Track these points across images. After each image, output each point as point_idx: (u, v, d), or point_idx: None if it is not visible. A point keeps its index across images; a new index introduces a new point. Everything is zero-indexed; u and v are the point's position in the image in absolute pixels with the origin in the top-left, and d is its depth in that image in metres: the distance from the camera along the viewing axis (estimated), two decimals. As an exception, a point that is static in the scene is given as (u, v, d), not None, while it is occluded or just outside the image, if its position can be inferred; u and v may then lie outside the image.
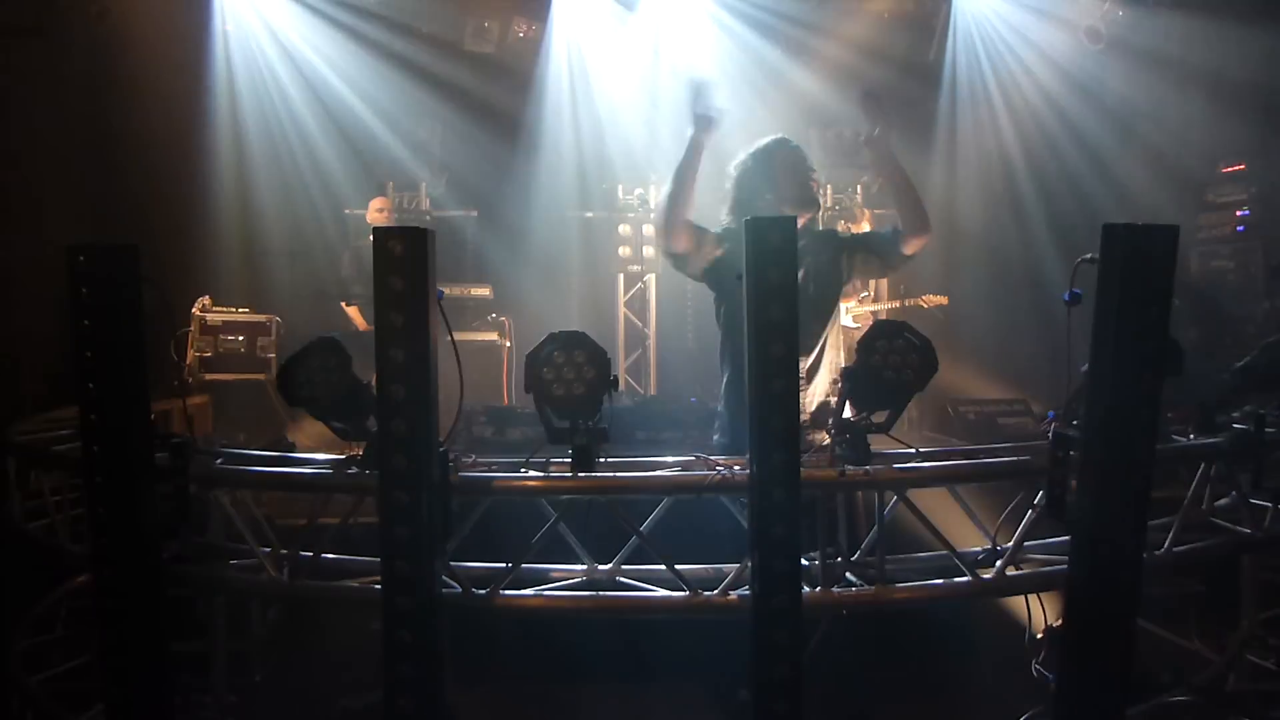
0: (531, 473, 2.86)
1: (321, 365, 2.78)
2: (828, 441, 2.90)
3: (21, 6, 7.04)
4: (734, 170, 3.83)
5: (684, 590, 2.84)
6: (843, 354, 3.81)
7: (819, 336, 3.71)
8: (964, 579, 2.92)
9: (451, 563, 2.86)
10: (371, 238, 7.76)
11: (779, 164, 3.74)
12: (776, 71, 8.52)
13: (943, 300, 7.48)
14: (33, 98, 6.98)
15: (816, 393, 3.69)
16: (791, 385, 2.60)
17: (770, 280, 2.55)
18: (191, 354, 7.04)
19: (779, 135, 3.85)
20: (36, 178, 6.81)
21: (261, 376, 7.28)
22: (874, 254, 3.89)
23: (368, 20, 8.20)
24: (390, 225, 7.27)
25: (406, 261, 2.53)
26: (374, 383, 2.85)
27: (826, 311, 3.76)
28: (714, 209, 3.84)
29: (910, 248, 3.77)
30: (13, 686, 3.48)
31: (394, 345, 2.56)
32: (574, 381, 2.71)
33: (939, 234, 8.50)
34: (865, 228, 7.91)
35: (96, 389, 2.72)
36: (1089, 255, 2.69)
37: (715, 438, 3.79)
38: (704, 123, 3.60)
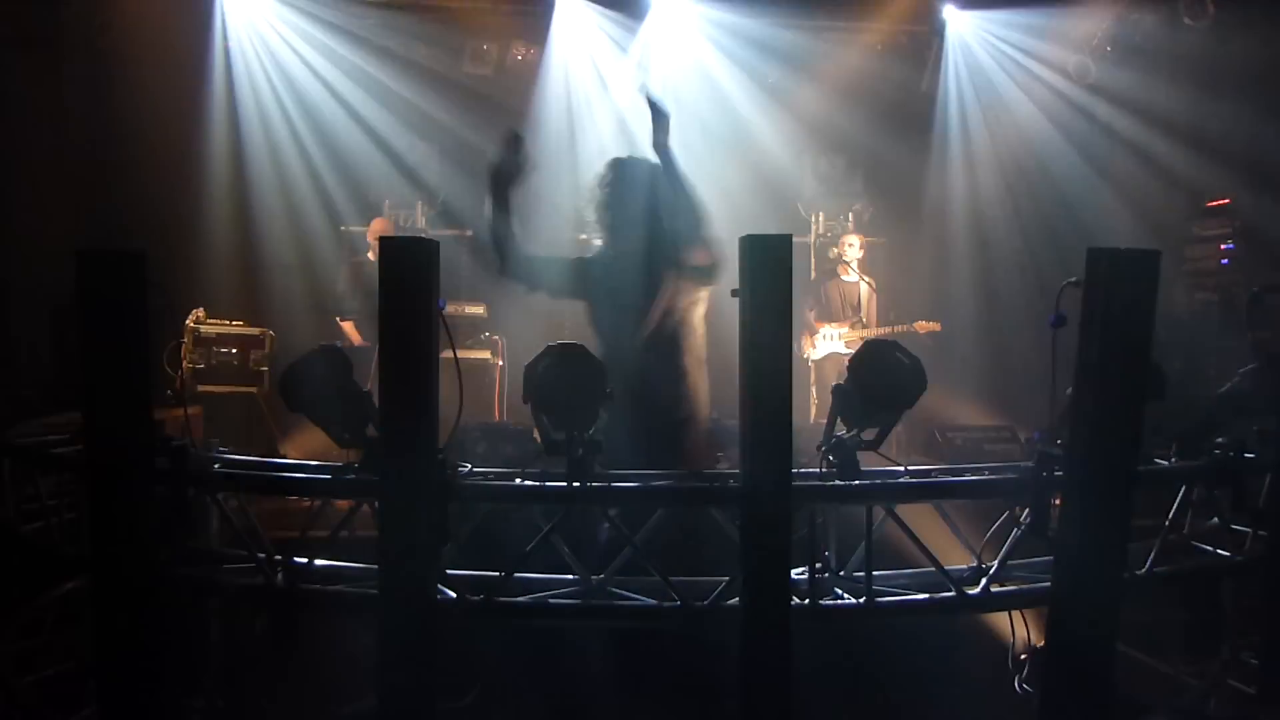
0: (528, 482, 2.91)
1: (323, 372, 2.83)
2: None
3: (25, 19, 7.10)
4: (601, 191, 3.77)
5: (675, 601, 2.88)
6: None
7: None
8: (949, 594, 2.97)
9: (447, 570, 2.90)
10: (370, 254, 7.77)
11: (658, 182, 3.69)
12: (770, 99, 8.65)
13: (935, 326, 7.57)
14: (34, 108, 7.04)
15: None
16: (784, 399, 2.65)
17: (763, 296, 2.61)
18: (185, 365, 7.06)
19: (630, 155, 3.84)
20: (36, 187, 6.85)
21: (254, 389, 7.30)
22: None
23: (367, 38, 8.28)
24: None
25: (411, 271, 2.59)
26: (372, 390, 2.90)
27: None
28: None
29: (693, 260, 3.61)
30: (2, 689, 3.49)
31: (396, 352, 2.61)
32: (570, 393, 2.76)
33: (933, 260, 8.69)
34: (858, 253, 7.99)
35: (100, 391, 2.76)
36: (1073, 279, 2.77)
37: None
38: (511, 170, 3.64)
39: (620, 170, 3.78)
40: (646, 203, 3.65)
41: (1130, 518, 2.83)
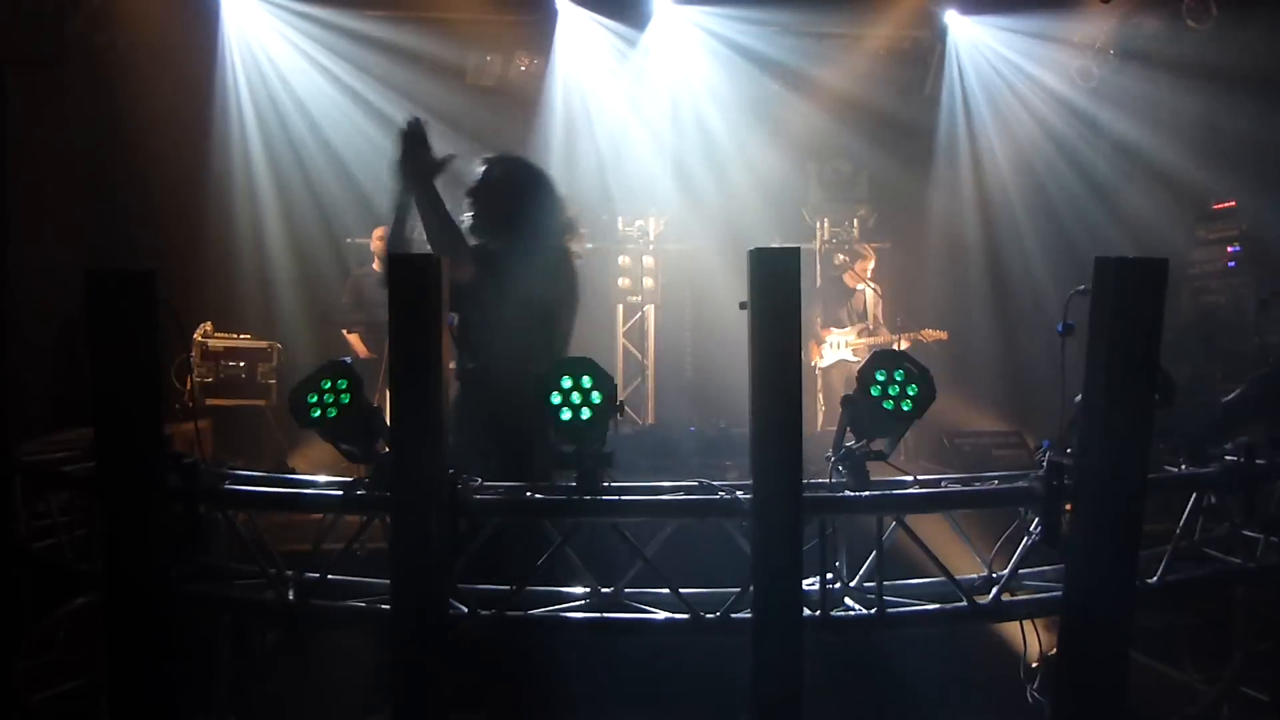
0: (538, 496, 2.91)
1: (333, 388, 2.83)
2: None
3: (33, 38, 7.14)
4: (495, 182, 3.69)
5: (686, 613, 2.88)
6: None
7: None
8: (960, 604, 2.96)
9: (458, 584, 2.90)
10: (374, 266, 7.76)
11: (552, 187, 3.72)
12: (775, 105, 8.67)
13: (942, 335, 7.58)
14: (40, 126, 7.06)
15: None
16: (794, 411, 2.65)
17: (774, 308, 2.61)
18: (192, 379, 7.08)
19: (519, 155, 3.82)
20: (43, 204, 6.88)
21: (262, 402, 7.33)
22: None
23: (372, 52, 8.31)
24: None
25: (419, 286, 2.60)
26: (382, 405, 2.91)
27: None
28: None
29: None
30: (15, 706, 3.50)
31: (406, 368, 2.62)
32: (580, 406, 2.77)
33: (939, 265, 8.70)
34: (870, 264, 8.02)
35: (111, 409, 2.76)
36: (1081, 287, 2.77)
37: None
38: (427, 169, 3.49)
39: (504, 168, 3.72)
40: (524, 201, 3.66)
41: (1141, 525, 2.83)
